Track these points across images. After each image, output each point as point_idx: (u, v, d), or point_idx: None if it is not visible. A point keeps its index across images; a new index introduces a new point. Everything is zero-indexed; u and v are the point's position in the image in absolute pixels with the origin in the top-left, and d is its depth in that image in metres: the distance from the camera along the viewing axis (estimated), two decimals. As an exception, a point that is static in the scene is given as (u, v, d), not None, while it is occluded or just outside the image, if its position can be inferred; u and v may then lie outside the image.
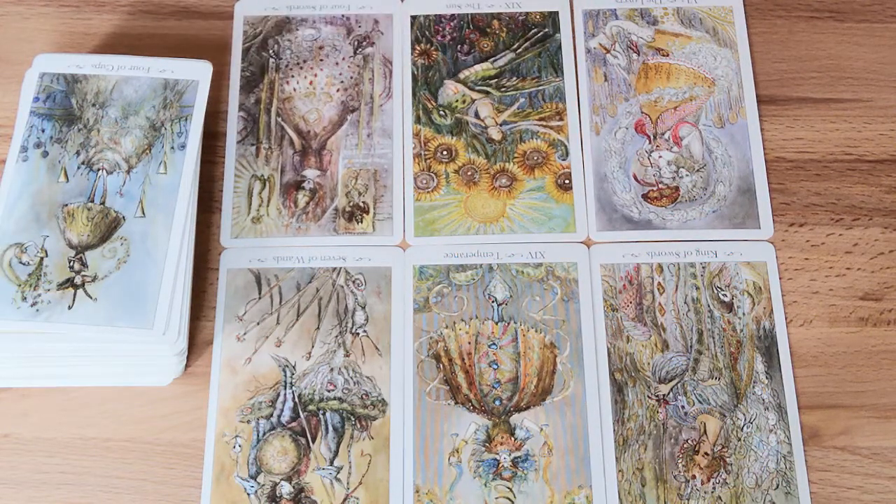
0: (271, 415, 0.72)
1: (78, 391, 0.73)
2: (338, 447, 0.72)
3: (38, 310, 0.69)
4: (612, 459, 0.71)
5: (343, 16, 0.85)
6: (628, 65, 0.84)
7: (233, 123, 0.81)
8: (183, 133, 0.76)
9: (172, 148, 0.75)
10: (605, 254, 0.77)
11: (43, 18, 0.85)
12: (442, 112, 0.82)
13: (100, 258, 0.71)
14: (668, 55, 0.84)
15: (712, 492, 0.71)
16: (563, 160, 0.81)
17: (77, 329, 0.68)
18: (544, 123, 0.82)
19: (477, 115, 0.82)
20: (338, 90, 0.83)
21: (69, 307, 0.69)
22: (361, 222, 0.78)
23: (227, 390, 0.73)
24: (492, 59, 0.84)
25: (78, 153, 0.74)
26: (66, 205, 0.72)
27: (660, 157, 0.81)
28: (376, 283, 0.76)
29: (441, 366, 0.74)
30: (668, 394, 0.73)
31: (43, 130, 0.75)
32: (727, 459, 0.72)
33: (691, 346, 0.75)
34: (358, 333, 0.75)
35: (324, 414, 0.72)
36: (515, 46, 0.85)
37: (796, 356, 0.75)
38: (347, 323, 0.75)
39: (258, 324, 0.75)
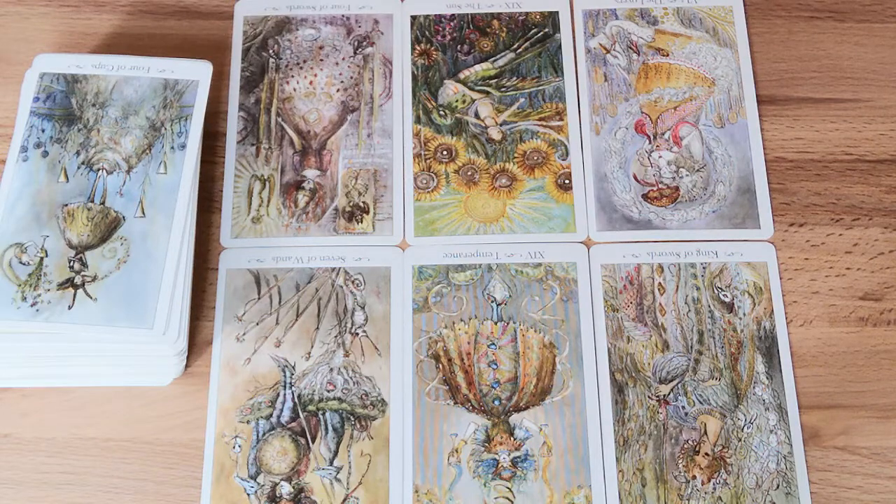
0: (271, 415, 0.72)
1: (78, 391, 0.73)
2: (337, 447, 0.72)
3: (38, 310, 0.69)
4: (612, 460, 0.71)
5: (343, 16, 0.85)
6: (628, 65, 0.84)
7: (233, 123, 0.81)
8: (183, 133, 0.76)
9: (172, 148, 0.75)
10: (605, 254, 0.77)
11: (43, 18, 0.85)
12: (442, 112, 0.82)
13: (100, 258, 0.71)
14: (668, 55, 0.84)
15: (713, 492, 0.71)
16: (563, 160, 0.81)
17: (77, 329, 0.68)
18: (544, 123, 0.82)
19: (477, 115, 0.82)
20: (338, 90, 0.83)
21: (69, 307, 0.69)
22: (361, 222, 0.78)
23: (227, 390, 0.73)
24: (492, 59, 0.84)
25: (78, 153, 0.74)
26: (66, 205, 0.72)
27: (660, 157, 0.81)
28: (375, 283, 0.76)
29: (440, 366, 0.74)
30: (669, 394, 0.73)
31: (43, 130, 0.75)
32: (728, 460, 0.72)
33: (692, 347, 0.75)
34: (357, 333, 0.75)
35: (323, 414, 0.72)
36: (515, 46, 0.84)
37: (796, 356, 0.75)
38: (347, 323, 0.75)
39: (257, 324, 0.75)
